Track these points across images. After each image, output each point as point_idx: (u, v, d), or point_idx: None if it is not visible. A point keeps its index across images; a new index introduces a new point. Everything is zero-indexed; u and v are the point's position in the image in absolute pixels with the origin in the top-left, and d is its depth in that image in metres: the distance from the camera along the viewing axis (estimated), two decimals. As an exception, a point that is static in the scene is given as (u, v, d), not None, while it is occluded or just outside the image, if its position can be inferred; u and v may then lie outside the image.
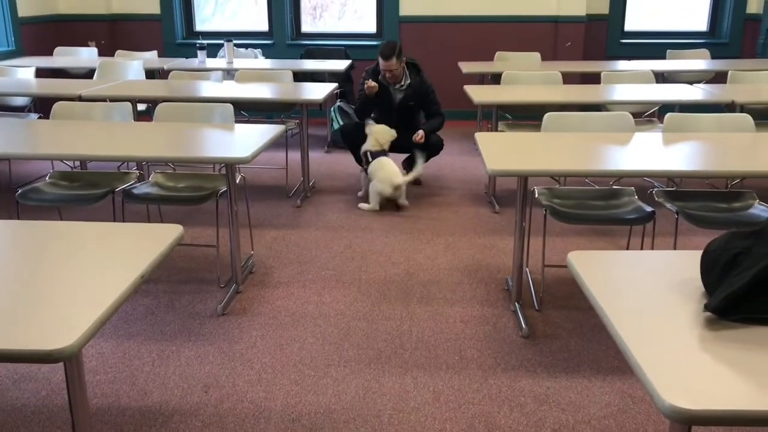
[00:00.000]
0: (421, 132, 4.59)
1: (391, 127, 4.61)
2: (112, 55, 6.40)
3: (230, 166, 3.09)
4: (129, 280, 1.59)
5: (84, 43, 7.03)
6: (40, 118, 4.93)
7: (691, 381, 1.18)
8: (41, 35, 6.79)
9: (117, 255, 1.76)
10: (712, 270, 1.47)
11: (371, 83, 4.61)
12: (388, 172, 4.38)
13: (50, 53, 6.54)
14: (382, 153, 4.50)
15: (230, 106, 3.61)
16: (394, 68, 4.56)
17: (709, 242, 1.53)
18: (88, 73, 5.83)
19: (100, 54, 6.60)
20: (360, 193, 4.67)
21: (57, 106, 3.64)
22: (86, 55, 6.56)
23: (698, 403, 1.12)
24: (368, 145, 4.54)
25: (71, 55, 6.54)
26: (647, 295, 1.52)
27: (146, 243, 1.82)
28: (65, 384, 2.29)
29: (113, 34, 7.27)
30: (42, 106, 5.42)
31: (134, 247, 1.80)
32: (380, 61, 4.59)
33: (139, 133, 3.35)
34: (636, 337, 1.32)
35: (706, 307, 1.40)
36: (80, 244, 1.84)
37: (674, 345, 1.30)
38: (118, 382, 2.53)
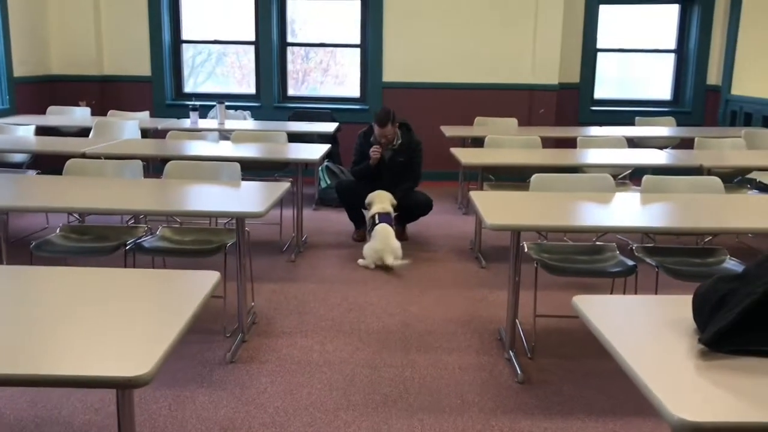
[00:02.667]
0: (379, 150, 4.93)
1: (382, 182, 4.87)
2: (103, 115, 6.59)
3: (241, 220, 3.27)
4: (184, 319, 1.76)
5: (75, 103, 7.21)
6: (38, 174, 5.07)
7: (693, 398, 1.39)
8: (35, 94, 6.97)
9: (167, 296, 1.93)
10: (702, 309, 1.69)
11: (376, 151, 4.88)
12: (384, 246, 4.54)
13: (42, 112, 6.71)
14: (388, 216, 4.71)
15: (237, 165, 3.82)
16: (389, 134, 4.87)
17: (698, 286, 1.76)
18: (80, 132, 6.00)
19: (92, 113, 6.79)
20: (361, 261, 4.69)
21: (69, 163, 3.80)
22: (79, 114, 6.74)
23: (702, 416, 1.33)
24: (376, 209, 4.75)
25: (64, 114, 6.72)
26: (646, 330, 1.74)
27: (191, 286, 1.99)
28: (87, 427, 2.42)
29: (104, 94, 7.48)
30: (39, 163, 5.57)
31: (181, 290, 1.97)
32: (376, 128, 4.88)
33: (151, 189, 3.53)
34: (642, 364, 1.53)
35: (700, 340, 1.61)
36: (129, 287, 2.00)
37: (676, 370, 1.51)
38: (139, 425, 2.64)
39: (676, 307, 1.86)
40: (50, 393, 2.86)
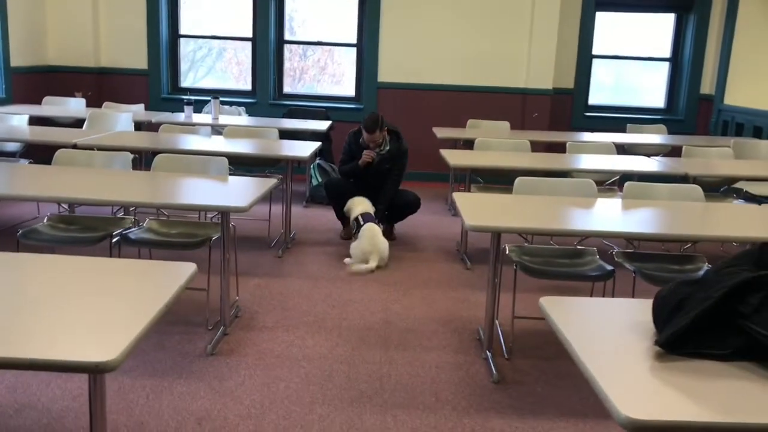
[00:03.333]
0: (372, 154, 5.00)
1: (367, 185, 4.92)
2: (99, 106, 6.63)
3: (226, 214, 3.31)
4: (156, 308, 1.79)
5: (71, 93, 7.25)
6: (30, 163, 5.10)
7: (643, 398, 1.43)
8: (31, 84, 7.00)
9: (143, 286, 1.97)
10: (661, 312, 1.73)
11: (369, 155, 4.95)
12: (372, 247, 4.56)
13: (39, 102, 6.74)
14: (370, 216, 4.75)
15: (225, 160, 3.86)
16: (377, 140, 4.92)
17: (659, 290, 1.80)
18: (75, 123, 6.03)
19: (88, 105, 6.82)
20: (347, 260, 4.71)
21: (59, 153, 3.84)
22: (74, 105, 6.77)
23: (649, 414, 1.37)
24: (358, 210, 4.78)
25: (60, 104, 6.75)
26: (607, 332, 1.78)
27: (167, 278, 2.03)
28: (65, 413, 2.46)
29: (101, 86, 7.51)
30: (32, 152, 5.61)
31: (157, 281, 2.01)
32: (364, 133, 4.93)
33: (139, 181, 3.57)
34: (597, 365, 1.57)
35: (656, 342, 1.66)
36: (108, 276, 2.04)
37: (629, 370, 1.56)
38: (115, 413, 2.68)
39: (640, 311, 1.90)
40: (29, 380, 2.90)
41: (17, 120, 5.45)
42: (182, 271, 2.11)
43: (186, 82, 7.92)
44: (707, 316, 1.62)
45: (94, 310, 1.76)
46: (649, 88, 8.11)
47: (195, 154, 4.03)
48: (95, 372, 1.52)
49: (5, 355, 1.53)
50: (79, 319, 1.70)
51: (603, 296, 3.72)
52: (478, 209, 3.24)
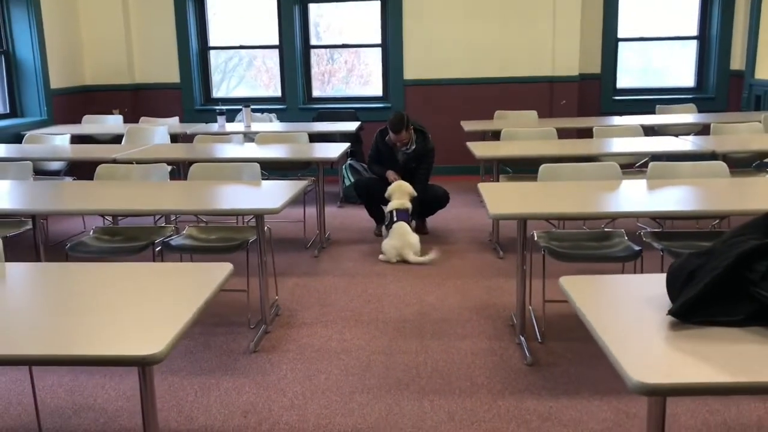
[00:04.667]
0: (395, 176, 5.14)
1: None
2: (136, 122, 6.87)
3: (260, 217, 3.45)
4: (197, 305, 1.93)
5: (109, 111, 7.52)
6: (74, 180, 5.34)
7: (654, 364, 1.51)
8: (70, 105, 7.28)
9: (183, 287, 2.11)
10: (674, 284, 1.80)
11: (393, 179, 5.15)
12: (402, 243, 4.67)
13: (77, 121, 7.02)
14: (405, 213, 4.85)
15: (257, 165, 4.01)
16: (404, 139, 5.02)
17: (672, 262, 1.87)
18: (114, 139, 6.27)
19: (125, 121, 7.07)
20: (381, 256, 4.80)
21: (100, 169, 4.04)
22: (112, 122, 7.02)
23: (659, 378, 1.45)
24: (393, 205, 4.88)
25: (98, 122, 7.01)
26: (623, 306, 1.86)
27: (205, 278, 2.17)
28: (120, 412, 2.62)
29: (136, 102, 7.77)
30: (74, 170, 5.85)
31: (197, 281, 2.15)
32: (391, 133, 5.03)
33: (177, 190, 3.74)
34: (611, 335, 1.65)
35: (669, 312, 1.73)
36: (150, 279, 2.18)
37: (643, 338, 1.63)
38: (166, 410, 2.84)
39: (656, 285, 1.97)
40: (86, 382, 3.07)
41: (60, 140, 5.70)
42: (219, 271, 2.24)
43: (220, 92, 8.13)
44: (717, 284, 1.69)
45: (140, 310, 1.91)
46: (678, 67, 8.05)
47: (229, 162, 4.18)
48: (143, 364, 1.66)
49: (61, 352, 1.68)
50: (126, 319, 1.85)
51: (633, 276, 3.77)
52: (502, 198, 3.32)
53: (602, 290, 2.01)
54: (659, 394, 1.45)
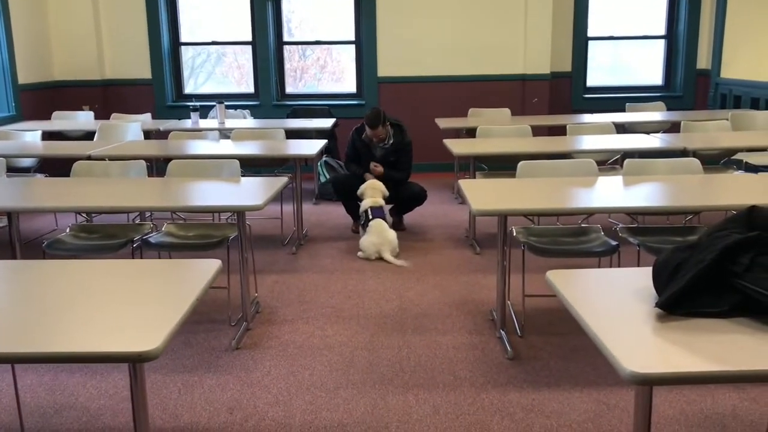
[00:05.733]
0: (380, 168, 5.14)
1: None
2: (106, 118, 6.78)
3: (242, 214, 3.44)
4: (189, 301, 1.92)
5: (78, 107, 7.40)
6: (46, 177, 5.25)
7: (645, 354, 1.55)
8: (39, 100, 7.15)
9: (172, 283, 2.10)
10: (660, 277, 1.85)
11: (377, 171, 5.17)
12: (381, 239, 4.68)
13: (47, 117, 6.90)
14: (380, 210, 4.87)
15: (236, 162, 3.99)
16: (380, 135, 5.04)
17: (657, 256, 1.92)
18: (85, 135, 6.18)
19: (96, 117, 6.97)
20: (360, 254, 4.82)
21: (77, 165, 3.98)
22: (83, 119, 6.92)
23: (650, 368, 1.49)
24: (367, 203, 4.90)
25: (69, 118, 6.90)
26: (611, 298, 1.90)
27: (194, 274, 2.17)
28: (102, 411, 2.61)
29: (107, 98, 7.66)
30: (47, 167, 5.76)
31: (186, 277, 2.15)
32: (367, 129, 5.05)
33: (156, 187, 3.71)
34: (602, 327, 1.70)
35: (656, 304, 1.78)
36: (138, 276, 2.17)
37: (632, 330, 1.68)
38: (151, 408, 2.82)
39: (641, 278, 2.02)
40: (66, 380, 3.04)
41: (30, 136, 5.60)
42: (208, 267, 2.23)
43: (188, 89, 8.06)
44: (703, 277, 1.74)
45: (130, 307, 1.90)
46: (647, 66, 8.20)
47: (207, 158, 4.15)
48: (138, 361, 1.65)
49: (51, 350, 1.66)
50: (117, 315, 1.84)
51: (610, 271, 3.84)
52: (483, 195, 3.36)
53: (589, 283, 2.06)
54: (650, 384, 1.50)
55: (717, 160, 5.45)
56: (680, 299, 1.74)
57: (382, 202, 4.95)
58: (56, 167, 5.28)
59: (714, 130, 5.49)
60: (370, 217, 4.81)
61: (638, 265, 3.52)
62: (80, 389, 2.97)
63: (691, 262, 1.78)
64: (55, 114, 6.92)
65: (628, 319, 1.75)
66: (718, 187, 3.49)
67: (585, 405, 2.79)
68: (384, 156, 5.19)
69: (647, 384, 1.53)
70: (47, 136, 6.00)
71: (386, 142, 5.16)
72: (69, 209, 3.59)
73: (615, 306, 1.85)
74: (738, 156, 5.48)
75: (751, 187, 3.45)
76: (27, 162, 5.70)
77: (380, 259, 4.68)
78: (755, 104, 6.67)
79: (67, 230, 3.82)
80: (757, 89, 6.64)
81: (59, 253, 3.55)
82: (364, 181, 5.13)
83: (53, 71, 7.49)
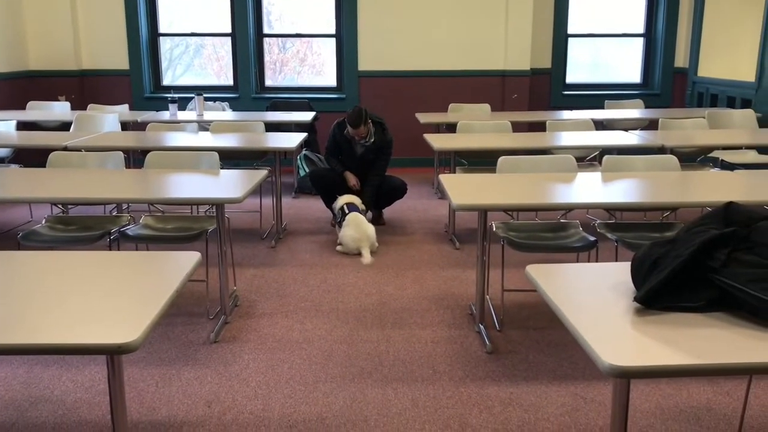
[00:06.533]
0: (357, 184, 5.18)
1: (352, 172, 5.09)
2: (83, 109, 6.69)
3: (221, 206, 3.42)
4: (168, 293, 1.91)
5: (54, 98, 7.30)
6: (21, 167, 5.17)
7: (624, 348, 1.57)
8: (13, 90, 7.04)
9: (151, 275, 2.08)
10: (639, 272, 1.87)
11: (353, 183, 5.18)
12: (360, 233, 4.66)
13: (22, 107, 6.80)
14: (356, 207, 4.85)
15: (216, 154, 3.96)
16: (362, 133, 5.03)
17: (636, 252, 1.94)
18: (61, 126, 6.10)
19: (72, 108, 6.88)
20: (339, 248, 4.81)
21: (53, 156, 3.93)
22: (59, 109, 6.82)
23: (629, 361, 1.50)
24: (343, 200, 4.88)
25: (44, 109, 6.80)
26: (590, 292, 1.92)
27: (173, 266, 2.15)
28: (79, 404, 2.59)
29: (83, 88, 7.56)
30: (21, 157, 5.67)
31: (165, 269, 2.13)
32: (349, 127, 5.03)
33: (134, 179, 3.67)
34: (581, 321, 1.71)
35: (635, 299, 1.79)
36: (116, 268, 2.15)
37: (611, 324, 1.69)
38: (127, 401, 2.79)
39: (620, 273, 2.04)
40: (41, 374, 3.00)
41: (4, 126, 5.51)
42: (187, 259, 2.22)
43: (166, 80, 7.98)
44: (680, 272, 1.76)
45: (108, 299, 1.88)
46: (625, 64, 8.26)
47: (186, 150, 4.12)
48: (117, 353, 1.64)
49: (29, 341, 1.64)
50: (95, 307, 1.82)
51: (587, 266, 3.87)
52: (464, 189, 3.37)
53: (568, 277, 2.07)
54: (628, 377, 1.52)
55: (694, 158, 5.52)
56: (658, 294, 1.76)
57: (358, 200, 4.93)
58: (31, 158, 5.21)
59: (691, 128, 5.55)
60: (347, 212, 4.79)
61: (616, 261, 3.57)
62: (56, 382, 2.94)
63: (669, 257, 1.80)
64: (30, 104, 6.82)
65: (607, 314, 1.77)
66: (694, 184, 3.53)
67: (562, 398, 2.81)
68: (364, 153, 5.19)
69: (625, 377, 1.54)
70: (22, 126, 5.90)
71: (367, 140, 5.15)
72: (45, 200, 3.54)
73: (594, 300, 1.87)
74: (714, 153, 5.56)
75: (728, 184, 3.49)
76: (1, 152, 5.61)
77: (360, 254, 4.67)
78: (731, 103, 6.75)
79: (43, 222, 3.77)
80: (733, 88, 6.73)
81: (35, 245, 3.50)
82: (342, 176, 5.11)
83: (28, 61, 7.37)
